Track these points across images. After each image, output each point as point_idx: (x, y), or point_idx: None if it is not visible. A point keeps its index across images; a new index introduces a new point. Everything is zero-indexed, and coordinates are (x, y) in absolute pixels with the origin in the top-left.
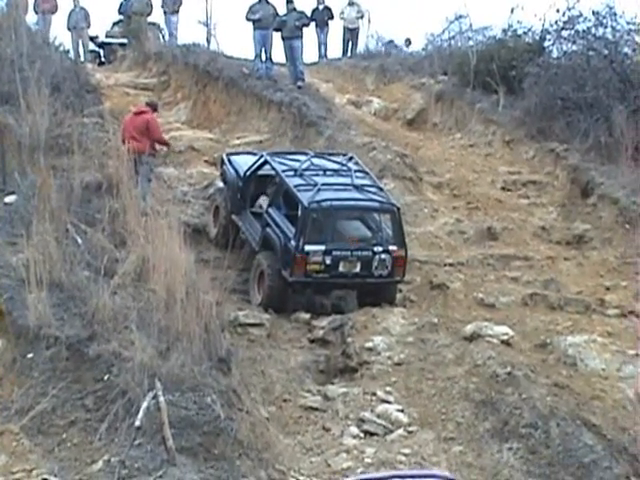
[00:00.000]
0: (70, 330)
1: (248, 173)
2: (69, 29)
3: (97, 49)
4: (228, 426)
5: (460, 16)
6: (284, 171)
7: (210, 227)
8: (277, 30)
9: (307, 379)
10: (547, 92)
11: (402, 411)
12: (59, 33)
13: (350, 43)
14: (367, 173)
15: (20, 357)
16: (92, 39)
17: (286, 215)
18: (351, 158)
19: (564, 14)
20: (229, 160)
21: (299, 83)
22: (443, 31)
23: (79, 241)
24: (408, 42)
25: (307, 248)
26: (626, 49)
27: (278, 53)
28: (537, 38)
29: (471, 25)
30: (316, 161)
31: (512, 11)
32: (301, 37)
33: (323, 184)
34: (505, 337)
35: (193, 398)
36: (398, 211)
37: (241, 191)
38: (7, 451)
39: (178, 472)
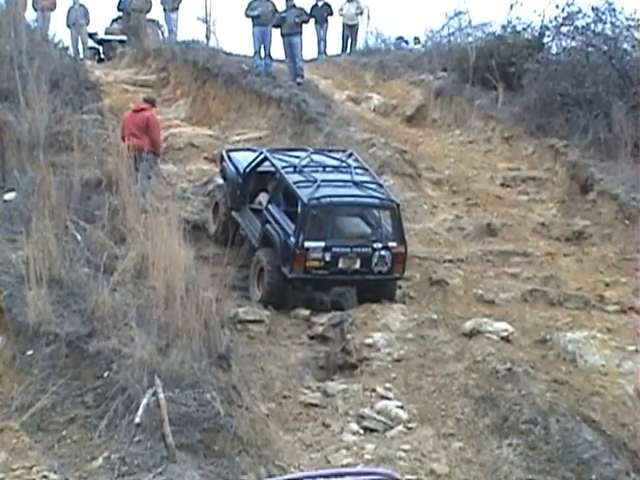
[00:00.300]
0: (70, 327)
1: (248, 170)
2: (68, 26)
3: (96, 46)
4: (228, 423)
5: (459, 12)
6: (284, 167)
7: (210, 223)
8: (276, 27)
9: (307, 375)
10: (546, 88)
11: (402, 407)
12: (58, 30)
13: (349, 39)
14: (367, 170)
15: (20, 354)
16: (91, 36)
17: (286, 211)
18: (351, 154)
19: (563, 10)
20: (229, 156)
21: (298, 80)
22: (442, 27)
23: (79, 238)
24: (417, 40)
25: (307, 244)
26: (625, 45)
27: (277, 50)
28: (536, 34)
29: (470, 21)
30: (316, 158)
31: (511, 7)
32: (300, 34)
33: (323, 180)
34: (505, 333)
35: (193, 395)
36: (398, 207)
37: (241, 187)
38: (7, 448)
39: (178, 469)
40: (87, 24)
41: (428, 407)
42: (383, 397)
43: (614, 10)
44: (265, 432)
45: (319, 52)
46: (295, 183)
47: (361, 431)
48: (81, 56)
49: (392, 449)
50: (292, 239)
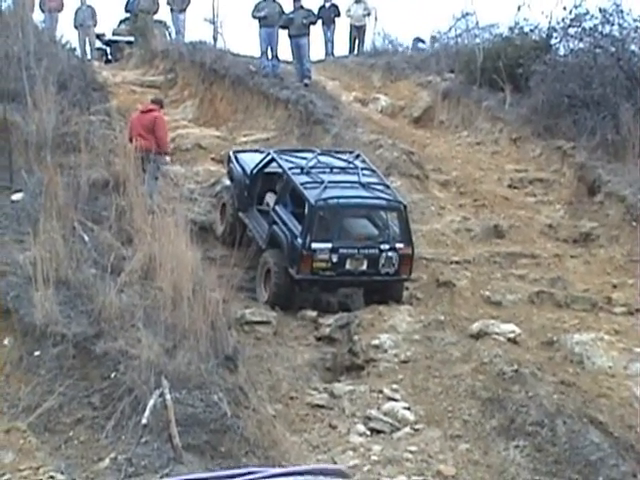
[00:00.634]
0: (77, 328)
1: (255, 171)
2: (76, 27)
3: (104, 47)
4: (235, 424)
5: (467, 14)
6: (291, 169)
7: (217, 225)
8: (284, 28)
9: (314, 377)
10: (554, 90)
11: (408, 409)
12: (66, 31)
13: (357, 41)
14: (374, 171)
15: (27, 355)
16: (99, 37)
17: (293, 213)
18: (358, 156)
19: (571, 12)
20: (236, 158)
21: (306, 81)
22: (450, 29)
23: (86, 239)
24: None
25: (314, 246)
26: (633, 46)
27: (285, 51)
28: (544, 36)
29: (478, 23)
30: (323, 159)
31: (519, 9)
32: (308, 35)
33: (330, 182)
34: (512, 335)
35: (200, 396)
36: (405, 209)
37: (248, 189)
38: (14, 448)
39: (185, 470)
40: (95, 25)
41: (435, 408)
42: (390, 398)
43: (622, 12)
44: (272, 433)
45: (326, 53)
46: (302, 184)
47: (368, 432)
48: (89, 57)
49: (399, 450)
50: (299, 240)
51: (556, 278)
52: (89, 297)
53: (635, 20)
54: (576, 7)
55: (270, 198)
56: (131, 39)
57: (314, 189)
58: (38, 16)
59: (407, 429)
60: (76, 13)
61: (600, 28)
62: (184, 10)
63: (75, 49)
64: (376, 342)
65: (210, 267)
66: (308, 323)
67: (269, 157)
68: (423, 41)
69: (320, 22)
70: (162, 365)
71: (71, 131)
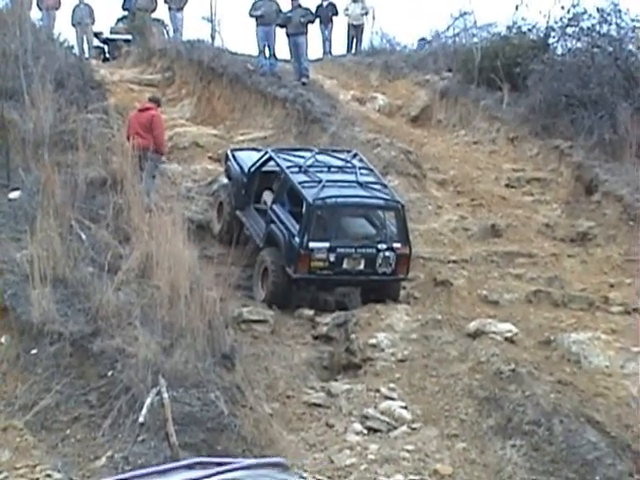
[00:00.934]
0: (74, 326)
1: (252, 169)
2: (73, 25)
3: (102, 45)
4: (232, 422)
5: (465, 13)
6: (289, 167)
7: (214, 223)
8: (282, 26)
9: (311, 375)
10: (551, 89)
11: (405, 408)
12: (63, 29)
13: (354, 40)
14: (371, 170)
15: (24, 353)
16: (97, 35)
17: (290, 212)
18: (355, 155)
19: (569, 11)
20: (233, 156)
21: (303, 79)
22: (448, 28)
23: (83, 237)
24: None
25: (311, 245)
26: (631, 46)
27: (283, 49)
28: (541, 35)
29: (475, 22)
30: (320, 158)
31: (517, 8)
32: (306, 33)
33: (327, 181)
34: (509, 334)
35: (197, 394)
36: (403, 208)
37: (245, 187)
38: (11, 447)
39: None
40: (92, 23)
41: (432, 407)
42: (387, 397)
43: (619, 11)
44: (269, 432)
45: (324, 52)
46: (300, 183)
47: (365, 431)
48: (86, 55)
49: (396, 449)
50: (297, 239)
51: (553, 277)
52: (86, 295)
53: (633, 20)
54: (574, 6)
55: (267, 196)
56: (129, 37)
57: (312, 188)
58: (35, 14)
59: (404, 428)
60: (74, 11)
61: (598, 28)
62: (182, 8)
63: (73, 47)
64: (373, 341)
65: (207, 265)
66: (305, 322)
67: (267, 156)
68: (429, 41)
69: (318, 21)
70: (159, 363)
71: (68, 129)
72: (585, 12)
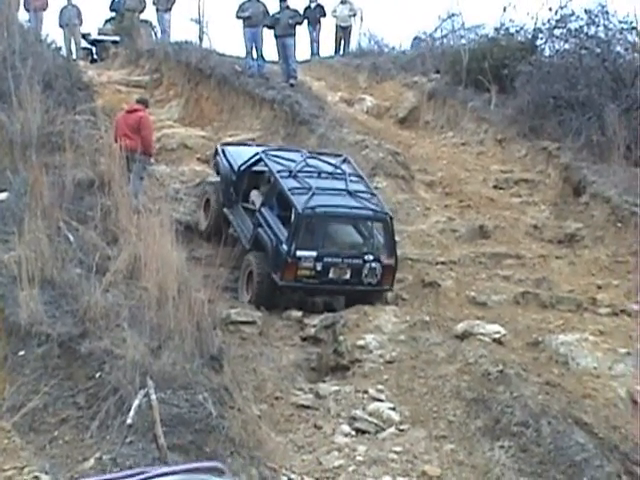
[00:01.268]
0: (62, 327)
1: (242, 168)
2: (61, 26)
3: (89, 46)
4: (220, 424)
5: (452, 14)
6: (279, 172)
7: (201, 220)
8: (270, 28)
9: (299, 377)
10: (539, 91)
11: (394, 409)
12: (51, 30)
13: (342, 41)
14: (361, 177)
15: (12, 354)
16: (84, 36)
17: (279, 216)
18: (345, 160)
19: (556, 13)
20: (223, 151)
21: (291, 81)
22: (435, 29)
23: (71, 238)
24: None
25: (299, 254)
26: (618, 48)
27: (271, 51)
28: (529, 37)
29: (463, 23)
30: (311, 162)
31: (504, 10)
32: (294, 35)
33: (317, 188)
34: (497, 335)
35: (185, 396)
36: (391, 220)
37: (234, 185)
38: None
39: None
40: (80, 24)
41: (420, 409)
42: (375, 399)
43: (607, 13)
44: (257, 433)
45: (312, 53)
46: (290, 190)
47: (353, 433)
48: (74, 56)
49: (384, 451)
50: (284, 247)
51: (541, 279)
52: (74, 297)
53: (620, 22)
54: (562, 8)
55: (255, 196)
56: (117, 39)
57: (301, 195)
58: (23, 15)
59: (392, 429)
60: (61, 12)
61: (586, 29)
62: (169, 10)
63: (60, 48)
64: (361, 342)
65: (195, 267)
66: (293, 323)
67: (257, 157)
68: (424, 40)
69: (306, 22)
70: (147, 365)
71: (56, 131)
72: (573, 14)
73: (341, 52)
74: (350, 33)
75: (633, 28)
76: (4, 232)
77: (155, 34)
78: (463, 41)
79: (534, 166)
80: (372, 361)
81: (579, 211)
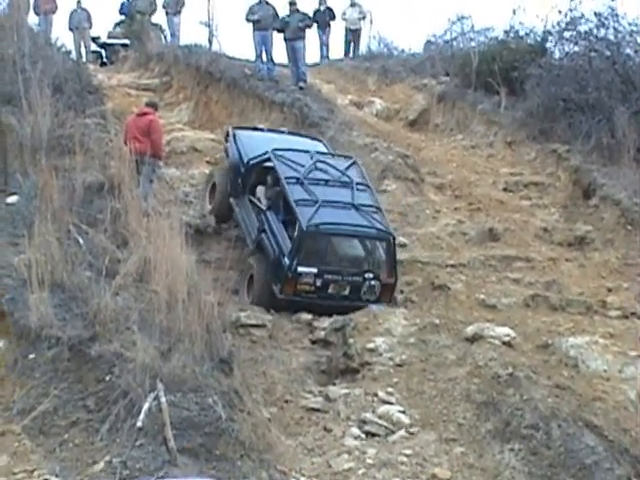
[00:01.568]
0: (72, 331)
1: (252, 162)
2: (71, 29)
3: (99, 50)
4: (229, 427)
5: (462, 17)
6: (287, 178)
7: (205, 202)
8: (280, 31)
9: (309, 380)
10: (549, 93)
11: (403, 412)
12: (61, 34)
13: (352, 44)
14: (368, 186)
15: (22, 358)
16: (94, 40)
17: (284, 222)
18: (354, 162)
19: (566, 15)
20: (234, 136)
21: (301, 84)
22: (445, 32)
23: (81, 242)
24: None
25: (300, 269)
26: (628, 50)
27: (280, 54)
28: (539, 39)
29: (473, 26)
30: (320, 166)
31: (514, 12)
32: (303, 38)
33: (324, 201)
34: (507, 338)
35: (194, 399)
36: (394, 240)
37: (242, 177)
38: (8, 451)
39: (179, 473)
40: (90, 28)
41: (430, 412)
42: (385, 402)
43: (617, 15)
44: (267, 436)
45: (322, 56)
46: (296, 201)
47: (363, 436)
48: (84, 60)
49: (394, 454)
50: (286, 260)
51: (551, 281)
52: (84, 300)
53: (630, 24)
54: (571, 10)
55: (262, 193)
56: (126, 42)
57: (307, 207)
58: (33, 19)
59: (402, 432)
60: (71, 15)
61: (595, 32)
62: (179, 13)
63: (70, 52)
64: (371, 345)
65: (205, 270)
66: (303, 326)
67: (267, 156)
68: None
69: (315, 25)
70: (157, 368)
71: (66, 134)
72: (582, 16)
73: (351, 55)
74: (360, 36)
75: None
76: (14, 235)
77: (165, 37)
78: (473, 44)
79: (544, 169)
80: (382, 364)
81: (589, 214)
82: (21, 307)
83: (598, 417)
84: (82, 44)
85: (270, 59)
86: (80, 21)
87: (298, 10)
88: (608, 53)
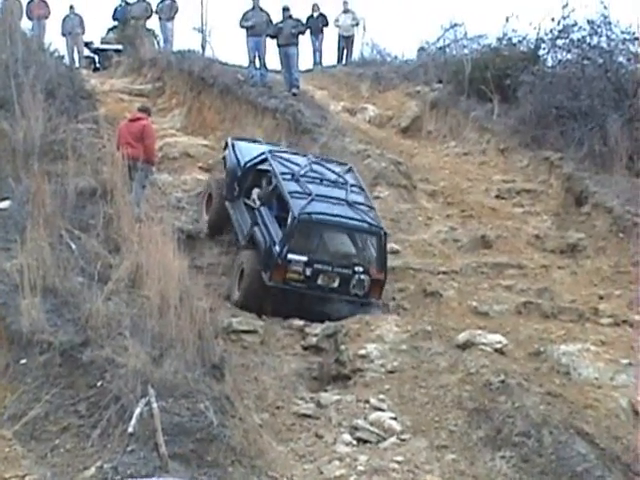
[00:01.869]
0: (63, 336)
1: (248, 165)
2: (64, 35)
3: (92, 55)
4: (221, 433)
5: (455, 24)
6: (282, 174)
7: (201, 213)
8: (273, 37)
9: (300, 386)
10: (542, 101)
11: (395, 419)
12: (54, 39)
13: (345, 50)
14: (362, 189)
15: (13, 363)
16: (87, 45)
17: (276, 217)
18: (350, 169)
19: (559, 23)
20: (233, 145)
21: (294, 90)
22: (438, 39)
23: (73, 247)
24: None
25: (290, 256)
26: (621, 58)
27: (273, 60)
28: (532, 47)
29: (466, 33)
30: (315, 167)
31: (507, 20)
32: (297, 44)
33: (317, 195)
34: (498, 345)
35: (186, 405)
36: (385, 235)
37: (238, 180)
38: (0, 457)
39: (171, 478)
40: (83, 33)
41: (421, 419)
42: (376, 408)
43: (610, 23)
44: (258, 442)
45: (315, 63)
46: (290, 193)
47: (354, 442)
48: (77, 65)
49: (385, 460)
50: (277, 248)
51: (543, 289)
52: (76, 305)
53: (623, 32)
54: (564, 18)
55: (257, 194)
56: (119, 47)
57: (300, 199)
58: (26, 23)
59: (393, 439)
60: (64, 21)
61: (588, 39)
62: (172, 18)
63: (63, 57)
64: (363, 352)
65: (197, 276)
66: (295, 332)
67: (263, 156)
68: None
69: (308, 32)
70: (149, 373)
71: (59, 139)
72: (575, 24)
73: (344, 61)
74: (353, 42)
75: (636, 38)
76: (6, 240)
77: (158, 43)
78: (466, 51)
79: (536, 176)
80: (374, 370)
81: (581, 221)
82: (13, 312)
83: (590, 425)
84: (75, 49)
85: (263, 65)
86: (73, 26)
87: (291, 16)
88: (601, 61)
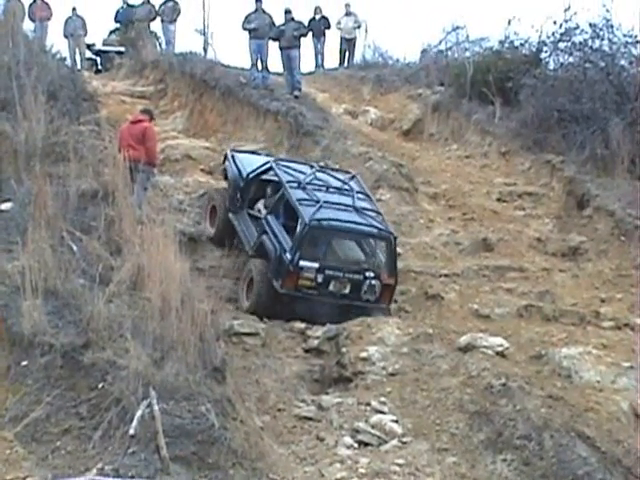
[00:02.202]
0: (65, 338)
1: (251, 175)
2: (66, 36)
3: (94, 57)
4: (222, 435)
5: (457, 27)
6: (288, 182)
7: (205, 225)
8: (275, 40)
9: (301, 389)
10: (543, 104)
11: (396, 421)
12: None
13: (347, 53)
14: (368, 196)
15: (14, 364)
16: (89, 47)
17: (284, 225)
18: (353, 177)
19: (561, 26)
20: (233, 157)
21: (296, 92)
22: (440, 42)
23: (74, 249)
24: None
25: (301, 263)
26: (623, 61)
27: (275, 62)
28: (534, 50)
29: (468, 36)
30: (320, 176)
31: (509, 22)
32: (299, 47)
33: (325, 202)
34: (500, 348)
35: (187, 407)
36: (394, 240)
37: (241, 191)
38: (1, 458)
39: None
40: (85, 35)
41: (423, 421)
42: (378, 411)
43: (612, 26)
44: (259, 445)
45: (317, 65)
46: (298, 200)
47: (355, 445)
48: (79, 67)
49: (386, 463)
50: (288, 255)
51: (544, 292)
52: (77, 307)
53: (625, 35)
54: (566, 21)
55: (262, 204)
56: (121, 49)
57: (309, 207)
58: (28, 25)
59: (395, 442)
60: (66, 22)
61: (590, 43)
62: (174, 21)
63: (65, 59)
64: (364, 354)
65: (199, 278)
66: (296, 335)
67: (268, 165)
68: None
69: (310, 34)
70: (150, 376)
71: (60, 141)
72: (577, 27)
73: (345, 64)
74: (355, 45)
75: (638, 42)
76: (8, 242)
77: (160, 45)
78: (468, 54)
79: (538, 179)
80: (375, 373)
81: (583, 224)
82: (14, 314)
83: (591, 428)
84: (77, 51)
85: (265, 67)
86: (75, 28)
87: (293, 19)
88: (603, 64)
